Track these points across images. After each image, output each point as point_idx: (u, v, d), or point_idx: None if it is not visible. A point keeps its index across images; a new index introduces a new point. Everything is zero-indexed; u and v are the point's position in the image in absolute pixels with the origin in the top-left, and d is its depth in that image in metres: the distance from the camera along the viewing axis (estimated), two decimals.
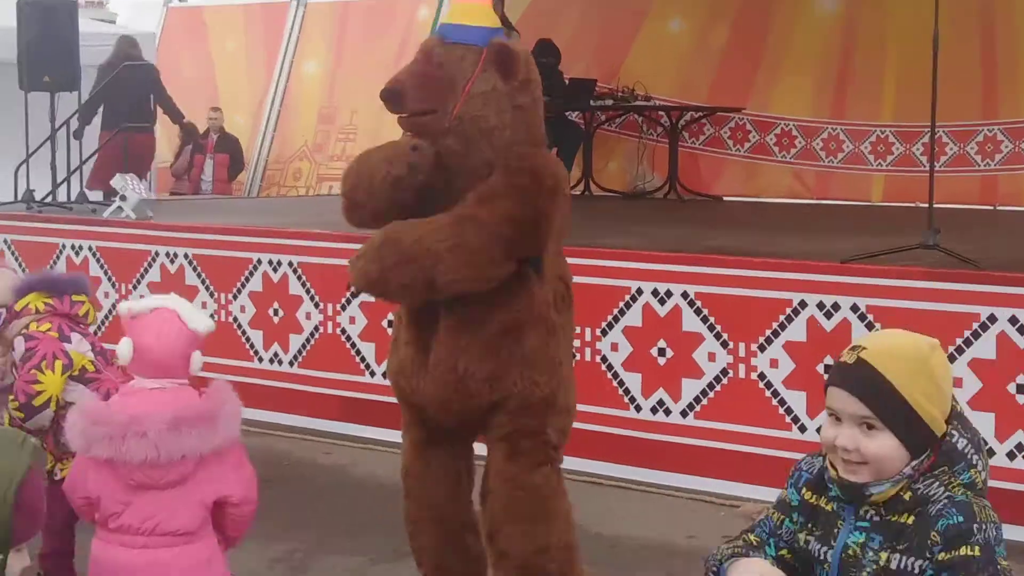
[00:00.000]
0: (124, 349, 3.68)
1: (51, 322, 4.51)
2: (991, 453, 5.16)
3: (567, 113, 12.47)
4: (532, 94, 4.14)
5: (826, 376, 2.84)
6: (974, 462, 2.71)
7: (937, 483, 2.68)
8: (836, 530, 2.74)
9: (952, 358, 5.54)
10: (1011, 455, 5.53)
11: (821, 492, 2.80)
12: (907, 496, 2.67)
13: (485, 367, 3.98)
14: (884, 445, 2.66)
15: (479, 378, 3.99)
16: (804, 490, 2.83)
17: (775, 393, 6.11)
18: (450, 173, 4.05)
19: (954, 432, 2.72)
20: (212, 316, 7.27)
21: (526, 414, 4.05)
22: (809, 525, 2.80)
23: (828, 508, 2.77)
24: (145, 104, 12.96)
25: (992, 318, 5.56)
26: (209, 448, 3.58)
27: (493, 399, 4.02)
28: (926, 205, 6.50)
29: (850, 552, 2.70)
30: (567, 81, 12.26)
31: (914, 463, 2.68)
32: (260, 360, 7.77)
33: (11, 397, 4.43)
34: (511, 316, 4.00)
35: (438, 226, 3.89)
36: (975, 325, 5.57)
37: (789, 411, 6.07)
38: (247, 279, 7.82)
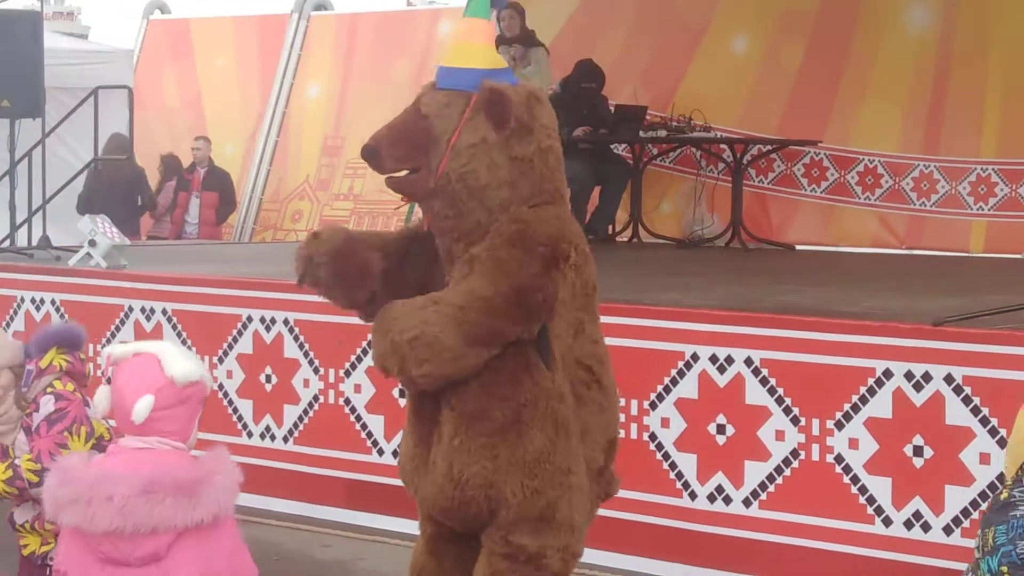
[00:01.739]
0: (100, 399, 3.72)
1: (72, 382, 4.68)
2: None
3: (612, 146, 12.51)
4: (537, 143, 4.14)
5: None
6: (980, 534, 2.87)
7: None
8: None
9: None
10: None
11: None
12: None
13: (481, 471, 4.00)
14: None
15: (475, 484, 4.00)
16: None
17: (855, 479, 6.07)
18: (447, 240, 4.11)
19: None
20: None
21: (523, 531, 4.05)
22: None
23: None
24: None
25: None
26: (187, 522, 3.58)
27: (491, 508, 4.04)
28: None
29: None
30: (612, 108, 12.30)
31: None
32: (250, 435, 7.78)
33: (28, 457, 4.55)
34: (512, 411, 4.01)
35: (406, 312, 3.97)
36: None
37: (871, 500, 6.03)
38: (235, 339, 7.85)
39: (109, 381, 3.80)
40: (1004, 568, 2.75)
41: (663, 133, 12.31)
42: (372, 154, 4.09)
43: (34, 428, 4.61)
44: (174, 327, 8.06)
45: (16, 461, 4.58)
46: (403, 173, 4.17)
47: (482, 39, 4.28)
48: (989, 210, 11.67)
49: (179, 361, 3.78)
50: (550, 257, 4.00)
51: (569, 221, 4.21)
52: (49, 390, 4.64)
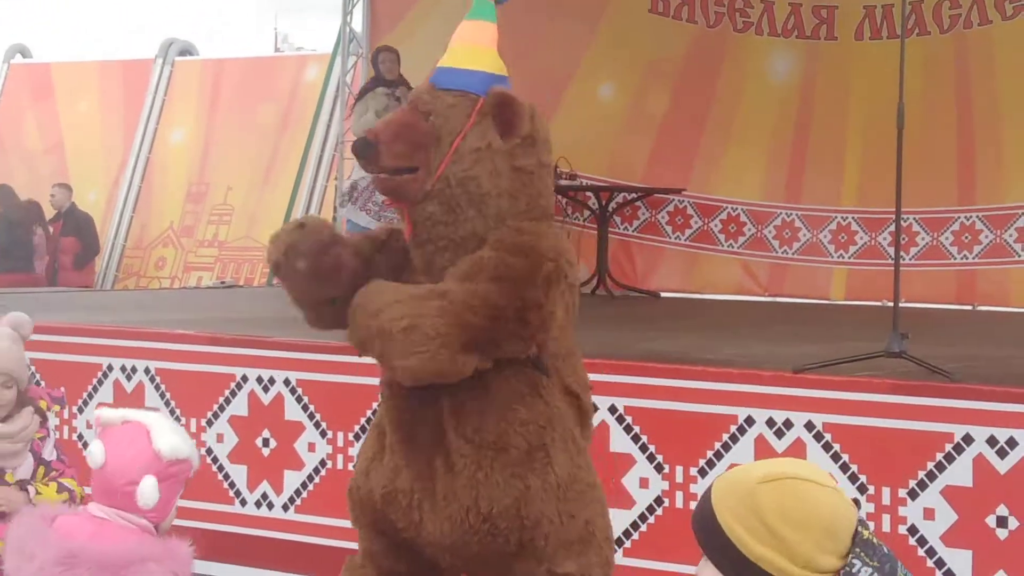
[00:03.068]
0: (96, 452, 3.64)
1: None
2: None
3: None
4: (538, 156, 4.02)
5: None
6: None
7: None
8: None
9: (923, 485, 5.59)
10: None
11: None
12: None
13: (513, 501, 3.83)
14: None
15: (508, 516, 3.83)
16: None
17: None
18: (431, 248, 3.94)
19: (857, 563, 2.68)
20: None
21: (565, 557, 3.92)
22: None
23: None
24: None
25: (968, 439, 5.60)
26: None
27: (523, 539, 3.87)
28: (892, 304, 6.58)
29: None
30: None
31: None
32: None
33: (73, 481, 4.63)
34: (535, 436, 3.88)
35: (402, 298, 3.78)
36: (948, 447, 5.62)
37: None
38: (94, 390, 7.74)
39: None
40: None
41: None
42: (368, 148, 3.89)
43: (58, 456, 4.69)
44: (32, 375, 7.91)
45: (65, 483, 4.64)
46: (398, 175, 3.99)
47: (488, 42, 4.17)
48: (849, 258, 11.86)
49: (168, 435, 3.69)
50: (554, 272, 3.85)
51: (565, 240, 4.10)
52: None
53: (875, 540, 2.74)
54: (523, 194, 3.96)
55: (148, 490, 3.60)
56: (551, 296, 3.83)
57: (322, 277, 3.96)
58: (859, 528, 2.71)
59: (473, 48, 4.10)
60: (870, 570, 2.67)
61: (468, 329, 3.71)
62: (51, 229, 15.92)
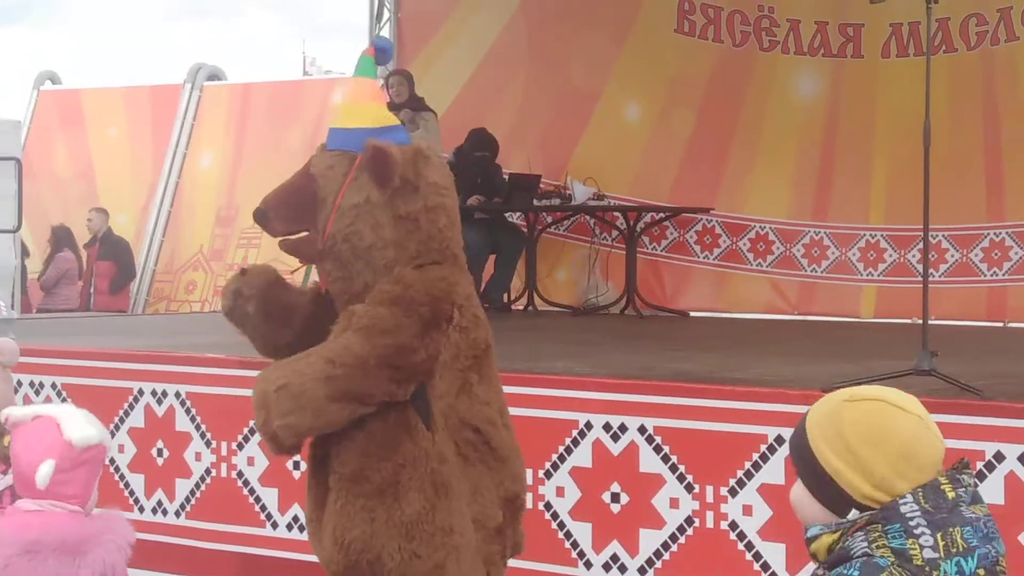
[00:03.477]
0: (44, 472, 3.68)
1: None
2: None
3: (507, 215, 12.55)
4: (423, 200, 4.06)
5: None
6: (917, 532, 2.74)
7: (864, 540, 2.76)
8: None
9: None
10: None
11: None
12: (837, 548, 2.81)
13: (360, 535, 3.94)
14: (795, 492, 2.93)
15: (356, 548, 3.94)
16: None
17: (749, 546, 6.09)
18: (338, 303, 4.08)
19: (909, 497, 2.78)
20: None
21: None
22: None
23: None
24: None
25: (999, 456, 5.59)
26: None
27: (374, 572, 3.97)
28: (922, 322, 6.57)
29: None
30: (506, 177, 12.35)
31: (840, 520, 2.81)
32: (141, 510, 7.68)
33: None
34: (390, 472, 3.95)
35: (278, 365, 3.97)
36: (979, 465, 5.60)
37: (766, 567, 6.05)
38: (126, 413, 7.76)
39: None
40: (981, 571, 2.75)
41: (557, 201, 12.37)
42: (262, 217, 4.10)
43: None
44: (64, 401, 7.95)
45: None
46: (296, 236, 4.16)
47: (368, 98, 4.27)
48: (879, 276, 11.83)
49: (78, 424, 3.77)
50: (430, 318, 3.93)
51: (457, 282, 4.11)
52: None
53: (955, 494, 2.80)
54: (411, 240, 4.04)
55: (43, 471, 3.67)
56: (432, 339, 3.93)
57: (273, 318, 4.16)
58: (944, 474, 2.81)
59: (355, 106, 4.21)
60: (918, 510, 2.76)
61: (332, 381, 3.83)
62: (85, 253, 15.98)
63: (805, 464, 2.89)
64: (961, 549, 2.76)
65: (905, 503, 2.78)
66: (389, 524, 3.93)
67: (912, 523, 2.75)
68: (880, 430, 2.83)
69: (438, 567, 3.99)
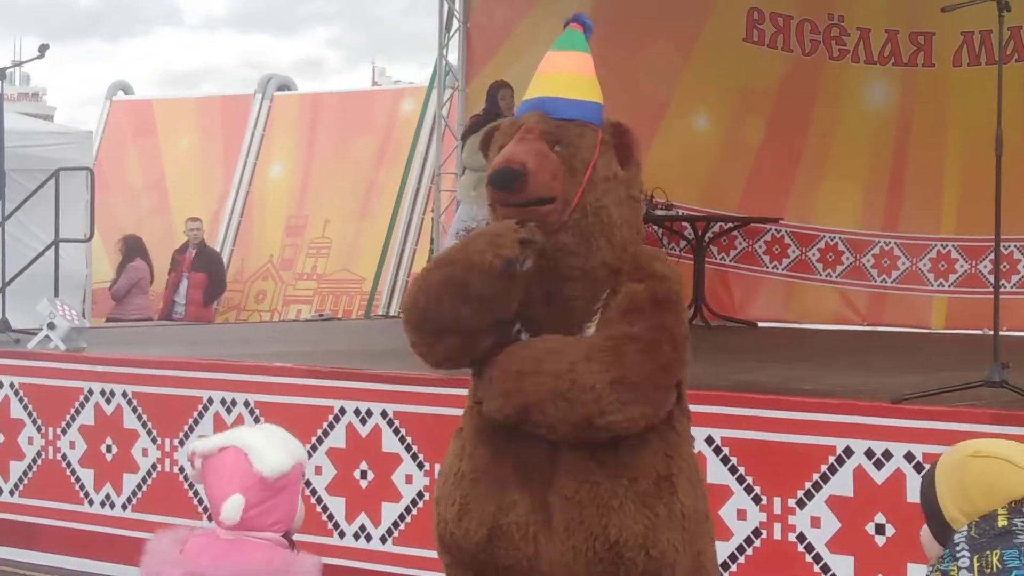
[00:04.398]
0: (232, 508, 3.60)
1: None
2: None
3: None
4: (641, 184, 4.07)
5: None
6: (959, 555, 3.02)
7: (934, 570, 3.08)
8: None
9: None
10: None
11: None
12: None
13: (641, 530, 3.78)
14: (923, 533, 3.21)
15: (633, 545, 3.77)
16: None
17: (817, 558, 6.06)
18: (558, 279, 3.87)
19: (965, 527, 3.07)
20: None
21: None
22: None
23: None
24: None
25: None
26: None
27: (648, 569, 3.80)
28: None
29: None
30: None
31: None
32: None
33: None
34: (664, 465, 3.86)
35: (589, 350, 3.74)
36: None
37: None
38: (196, 422, 7.82)
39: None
40: None
41: None
42: (517, 177, 3.78)
43: None
44: (134, 410, 8.02)
45: None
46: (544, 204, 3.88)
47: (592, 72, 4.13)
48: (949, 287, 11.75)
49: (267, 453, 3.66)
50: (680, 294, 3.97)
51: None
52: None
53: (1008, 522, 3.02)
54: (636, 221, 4.00)
55: (230, 508, 3.59)
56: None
57: (517, 288, 3.85)
58: (1007, 506, 3.05)
59: (580, 78, 4.06)
60: (964, 537, 3.04)
61: (666, 365, 3.77)
62: (173, 260, 16.06)
63: (931, 511, 3.17)
64: (995, 569, 2.97)
65: (959, 532, 3.07)
66: (671, 518, 3.82)
67: (957, 548, 3.04)
68: (996, 486, 3.10)
69: (700, 554, 3.93)
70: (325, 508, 7.31)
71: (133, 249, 16.03)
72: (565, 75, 4.07)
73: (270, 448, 3.70)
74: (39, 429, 8.41)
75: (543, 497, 3.83)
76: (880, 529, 5.89)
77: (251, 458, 3.64)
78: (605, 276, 3.88)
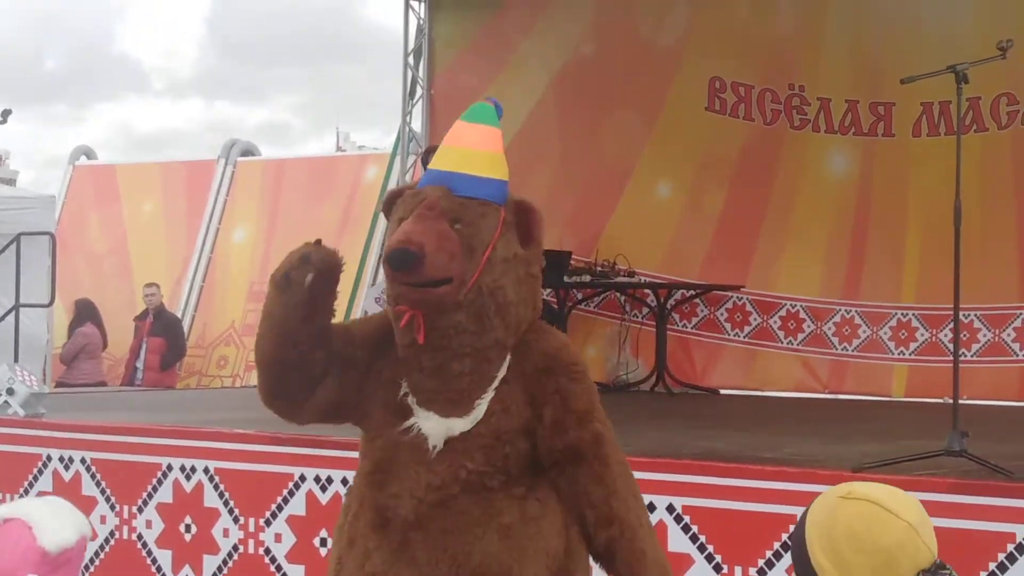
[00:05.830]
0: None
1: None
2: None
3: None
4: (541, 261, 4.03)
5: None
6: None
7: None
8: None
9: None
10: None
11: None
12: None
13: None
14: None
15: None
16: None
17: None
18: (448, 354, 3.86)
19: None
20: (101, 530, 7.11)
21: None
22: None
23: None
24: None
25: None
26: None
27: None
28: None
29: None
30: None
31: None
32: None
33: None
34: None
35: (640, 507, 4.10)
36: (1010, 547, 5.55)
37: None
38: (155, 488, 7.77)
39: None
40: None
41: (587, 278, 12.38)
42: (413, 259, 3.72)
43: None
44: (93, 476, 7.97)
45: None
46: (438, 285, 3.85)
47: (498, 148, 4.08)
48: (910, 355, 11.79)
49: (52, 528, 3.60)
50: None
51: None
52: None
53: None
54: (533, 300, 3.98)
55: None
56: None
57: (316, 308, 3.94)
58: (925, 572, 2.86)
59: (486, 154, 4.01)
60: None
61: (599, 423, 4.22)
62: (135, 326, 15.99)
63: (798, 556, 2.99)
64: None
65: None
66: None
67: None
68: (867, 535, 2.88)
69: None
70: None
71: (84, 313, 15.95)
72: (471, 151, 4.02)
73: (55, 522, 3.64)
74: None
75: None
76: None
77: (35, 532, 3.58)
78: (496, 355, 3.89)
